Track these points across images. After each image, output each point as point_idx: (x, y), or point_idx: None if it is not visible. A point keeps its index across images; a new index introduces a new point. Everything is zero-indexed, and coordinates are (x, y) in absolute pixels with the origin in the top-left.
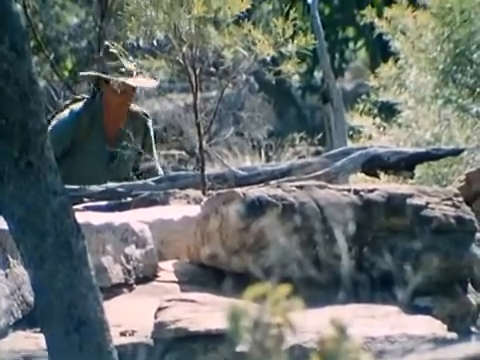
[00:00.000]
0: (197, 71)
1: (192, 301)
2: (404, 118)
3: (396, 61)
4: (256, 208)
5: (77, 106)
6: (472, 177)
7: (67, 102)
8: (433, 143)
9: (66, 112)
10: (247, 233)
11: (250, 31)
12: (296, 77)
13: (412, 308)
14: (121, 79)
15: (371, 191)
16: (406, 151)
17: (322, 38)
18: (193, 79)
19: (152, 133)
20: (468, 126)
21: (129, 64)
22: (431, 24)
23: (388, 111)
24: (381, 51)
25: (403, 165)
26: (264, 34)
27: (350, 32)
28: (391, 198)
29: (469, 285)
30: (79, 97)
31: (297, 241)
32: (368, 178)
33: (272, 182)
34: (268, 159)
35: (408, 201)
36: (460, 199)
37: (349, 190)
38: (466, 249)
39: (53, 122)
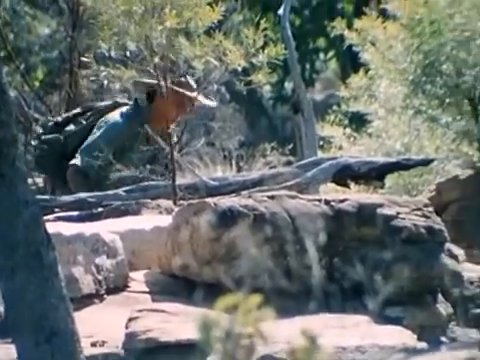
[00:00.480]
0: (168, 81)
1: (163, 311)
2: (374, 128)
3: (366, 72)
4: (227, 218)
5: (125, 110)
6: (442, 187)
7: (105, 103)
8: (403, 153)
9: (116, 114)
10: (218, 243)
11: (221, 42)
12: (267, 87)
13: (383, 318)
14: (187, 93)
15: (342, 201)
16: (376, 161)
17: (293, 49)
18: (164, 90)
19: None
20: (438, 136)
21: (191, 80)
22: (401, 35)
23: (359, 121)
24: (351, 62)
25: (374, 175)
26: (235, 45)
27: (321, 43)
28: (362, 208)
29: (439, 295)
30: (121, 101)
31: (268, 251)
32: (339, 188)
33: (243, 192)
34: (239, 169)
35: (378, 211)
36: (430, 209)
37: (320, 200)
38: (436, 259)
39: (103, 122)
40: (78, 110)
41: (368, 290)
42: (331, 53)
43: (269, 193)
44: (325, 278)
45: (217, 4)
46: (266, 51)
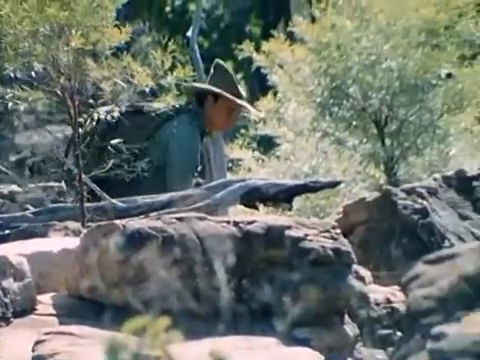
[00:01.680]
0: (76, 103)
1: (71, 334)
2: (283, 151)
3: (275, 95)
4: (136, 240)
5: (187, 119)
6: (349, 209)
7: (166, 109)
8: (311, 175)
9: (186, 127)
10: (127, 265)
11: (129, 63)
12: None
13: (291, 339)
14: (238, 101)
15: (250, 223)
16: (285, 183)
17: (201, 71)
18: (72, 111)
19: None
20: (345, 159)
21: (241, 88)
22: (308, 58)
23: (267, 144)
24: (260, 85)
25: (282, 197)
26: (143, 66)
27: (229, 66)
28: (270, 230)
29: (346, 316)
30: (177, 106)
31: (177, 273)
32: (247, 210)
33: (152, 214)
34: None
35: (287, 233)
36: (338, 231)
37: (229, 222)
38: (343, 281)
39: (178, 138)
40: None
41: (276, 312)
42: (239, 76)
43: (178, 215)
44: (234, 300)
45: (124, 26)
46: (175, 73)
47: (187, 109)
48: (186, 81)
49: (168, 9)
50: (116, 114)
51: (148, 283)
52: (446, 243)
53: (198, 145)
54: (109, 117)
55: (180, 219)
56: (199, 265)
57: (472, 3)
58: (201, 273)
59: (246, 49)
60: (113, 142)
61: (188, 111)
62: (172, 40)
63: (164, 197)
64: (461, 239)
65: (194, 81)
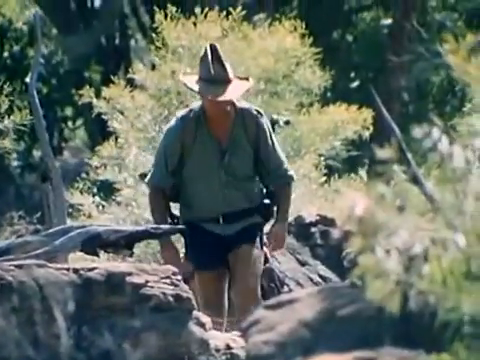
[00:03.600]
0: None
1: None
2: (124, 197)
3: (116, 140)
4: None
5: (182, 111)
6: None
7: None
8: (152, 221)
9: (173, 119)
10: None
11: None
12: (15, 155)
13: None
14: (193, 88)
15: (91, 270)
16: (125, 229)
17: (40, 117)
18: None
19: (267, 129)
20: None
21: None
22: (149, 105)
23: (107, 189)
24: (100, 130)
25: (123, 243)
26: None
27: (68, 111)
28: (110, 276)
29: None
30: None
31: (15, 321)
32: (88, 257)
33: None
34: None
35: (127, 279)
36: (178, 277)
37: (68, 269)
38: (184, 327)
39: (165, 129)
40: None
41: (116, 358)
42: (79, 121)
43: (17, 262)
44: (73, 347)
45: None
46: (12, 117)
47: None
48: (24, 126)
49: (6, 54)
50: None
51: None
52: (285, 289)
53: (172, 133)
54: None
55: (19, 266)
56: (38, 313)
57: (309, 52)
58: (40, 321)
59: (86, 94)
60: None
61: None
62: (9, 84)
63: (2, 244)
64: (300, 284)
65: (33, 128)
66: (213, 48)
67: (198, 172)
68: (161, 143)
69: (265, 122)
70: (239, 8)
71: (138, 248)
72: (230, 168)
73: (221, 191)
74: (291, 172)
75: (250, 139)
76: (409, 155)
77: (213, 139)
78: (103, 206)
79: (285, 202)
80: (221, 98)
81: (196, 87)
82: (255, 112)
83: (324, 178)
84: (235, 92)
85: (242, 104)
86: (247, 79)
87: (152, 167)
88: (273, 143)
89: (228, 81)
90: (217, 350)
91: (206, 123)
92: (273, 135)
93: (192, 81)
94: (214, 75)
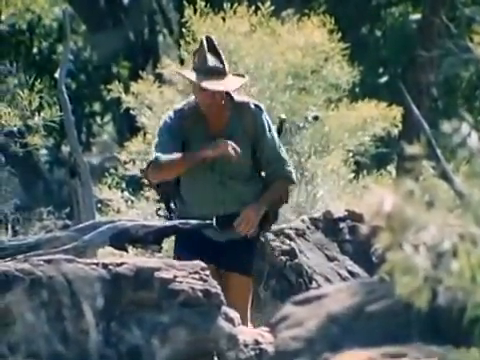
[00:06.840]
0: None
1: None
2: (152, 192)
3: (144, 135)
4: (2, 283)
5: (178, 105)
6: None
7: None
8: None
9: (169, 113)
10: None
11: None
12: (44, 151)
13: None
14: (191, 78)
15: (119, 265)
16: (154, 225)
17: (69, 112)
18: None
19: (267, 124)
20: None
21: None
22: (177, 100)
23: (136, 185)
24: (128, 126)
25: (151, 239)
26: (10, 107)
27: (96, 107)
28: (139, 272)
29: (215, 358)
30: None
31: (44, 316)
32: (116, 252)
33: (19, 256)
34: (15, 233)
35: (156, 274)
36: (207, 272)
37: (97, 264)
38: (212, 322)
39: (160, 123)
40: None
41: (145, 354)
42: (107, 117)
43: (46, 257)
44: (102, 343)
45: None
46: (42, 114)
47: None
48: (54, 122)
49: (35, 50)
50: None
51: (15, 326)
52: (314, 284)
53: (171, 124)
54: None
55: (48, 261)
56: (67, 308)
57: (337, 48)
58: (69, 316)
59: (115, 89)
60: None
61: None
62: (39, 80)
63: (31, 239)
64: (328, 280)
65: (61, 124)
66: (209, 39)
67: (193, 168)
68: (161, 129)
69: (264, 116)
70: (268, 3)
71: (166, 243)
72: (226, 165)
73: (214, 189)
74: (290, 170)
75: (248, 134)
76: (438, 151)
77: (209, 134)
78: (132, 201)
79: (271, 191)
80: (218, 88)
81: (193, 76)
82: (253, 106)
83: (353, 174)
84: (232, 84)
85: (240, 98)
86: (243, 76)
87: (154, 150)
88: (273, 138)
89: (224, 73)
90: (245, 345)
91: (202, 118)
92: (274, 131)
93: (188, 72)
94: (210, 66)
